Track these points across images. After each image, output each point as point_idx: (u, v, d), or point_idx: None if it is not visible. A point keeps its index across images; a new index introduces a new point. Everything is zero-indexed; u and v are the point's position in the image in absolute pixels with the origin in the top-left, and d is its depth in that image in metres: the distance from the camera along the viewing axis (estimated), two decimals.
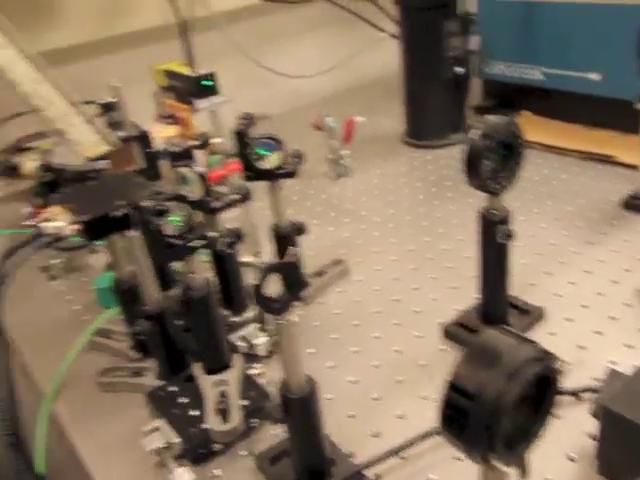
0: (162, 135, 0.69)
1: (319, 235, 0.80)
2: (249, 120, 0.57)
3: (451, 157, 0.98)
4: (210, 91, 0.83)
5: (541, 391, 0.29)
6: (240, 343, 0.58)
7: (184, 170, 0.50)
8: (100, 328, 0.65)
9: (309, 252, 0.68)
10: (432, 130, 1.03)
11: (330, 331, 0.63)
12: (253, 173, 0.57)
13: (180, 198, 0.44)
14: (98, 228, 0.46)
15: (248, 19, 1.11)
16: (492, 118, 0.50)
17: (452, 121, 1.03)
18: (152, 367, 0.58)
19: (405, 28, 1.00)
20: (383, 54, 1.36)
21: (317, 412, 0.42)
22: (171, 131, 0.70)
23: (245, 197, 0.53)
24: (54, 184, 0.80)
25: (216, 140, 0.70)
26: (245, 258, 0.64)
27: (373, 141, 1.08)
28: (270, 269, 0.35)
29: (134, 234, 0.49)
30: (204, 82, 0.82)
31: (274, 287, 0.36)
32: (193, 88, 0.83)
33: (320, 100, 1.29)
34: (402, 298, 0.67)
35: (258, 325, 0.60)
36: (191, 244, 0.45)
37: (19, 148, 0.84)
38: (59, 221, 0.46)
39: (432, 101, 1.01)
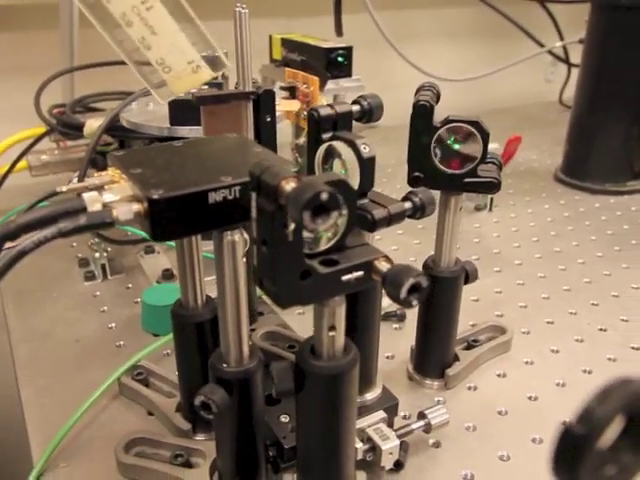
0: (281, 109, 0.49)
1: None
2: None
3: (628, 209, 0.75)
4: (342, 70, 0.63)
5: None
6: (359, 444, 0.35)
7: (338, 146, 0.29)
8: (139, 365, 0.44)
9: None
10: (604, 172, 0.79)
11: (493, 443, 0.39)
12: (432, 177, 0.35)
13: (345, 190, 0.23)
14: (179, 217, 0.25)
15: (388, 9, 0.91)
16: None
17: (632, 166, 0.79)
18: (207, 452, 0.36)
19: (594, 42, 0.77)
20: (529, 76, 1.16)
21: None
22: (294, 106, 0.49)
23: (422, 209, 0.31)
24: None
25: None
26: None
27: (516, 173, 0.86)
28: None
29: (237, 238, 0.27)
30: (338, 57, 0.62)
31: None
32: (321, 63, 0.63)
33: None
34: None
35: (384, 415, 0.38)
36: (345, 278, 0.24)
37: (86, 107, 0.65)
38: (113, 193, 0.26)
39: (612, 137, 0.78)
